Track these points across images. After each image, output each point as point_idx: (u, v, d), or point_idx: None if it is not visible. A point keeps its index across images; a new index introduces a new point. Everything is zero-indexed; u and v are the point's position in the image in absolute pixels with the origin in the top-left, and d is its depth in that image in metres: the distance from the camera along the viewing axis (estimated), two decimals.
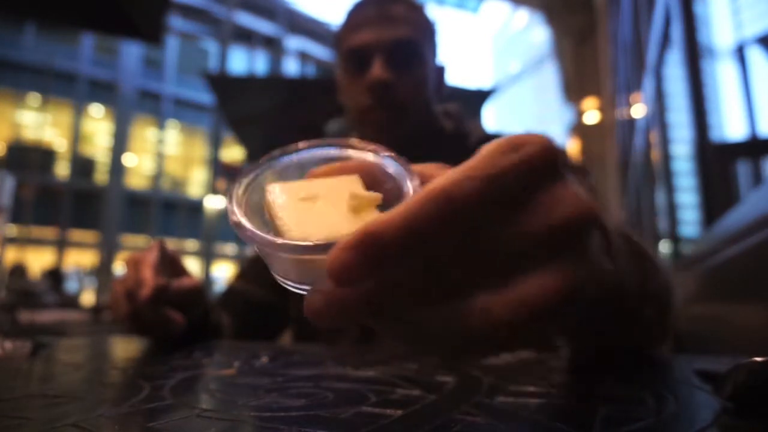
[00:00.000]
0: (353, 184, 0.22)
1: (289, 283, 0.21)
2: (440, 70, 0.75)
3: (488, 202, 0.17)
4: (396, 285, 0.17)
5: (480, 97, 3.94)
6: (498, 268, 0.18)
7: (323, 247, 0.18)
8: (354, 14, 0.71)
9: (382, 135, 0.69)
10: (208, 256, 11.65)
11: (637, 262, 0.29)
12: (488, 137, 0.76)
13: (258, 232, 0.19)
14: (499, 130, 0.79)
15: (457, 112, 0.77)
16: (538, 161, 0.18)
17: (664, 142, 2.65)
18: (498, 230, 0.18)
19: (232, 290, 0.75)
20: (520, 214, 0.18)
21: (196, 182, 17.13)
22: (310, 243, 0.18)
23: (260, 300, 0.72)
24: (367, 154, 0.24)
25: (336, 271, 0.16)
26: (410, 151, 0.77)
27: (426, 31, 0.71)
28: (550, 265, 0.18)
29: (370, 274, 0.16)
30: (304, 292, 0.19)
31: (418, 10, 0.71)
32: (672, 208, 2.60)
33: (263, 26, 17.37)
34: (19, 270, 3.59)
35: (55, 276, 4.36)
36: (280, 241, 0.19)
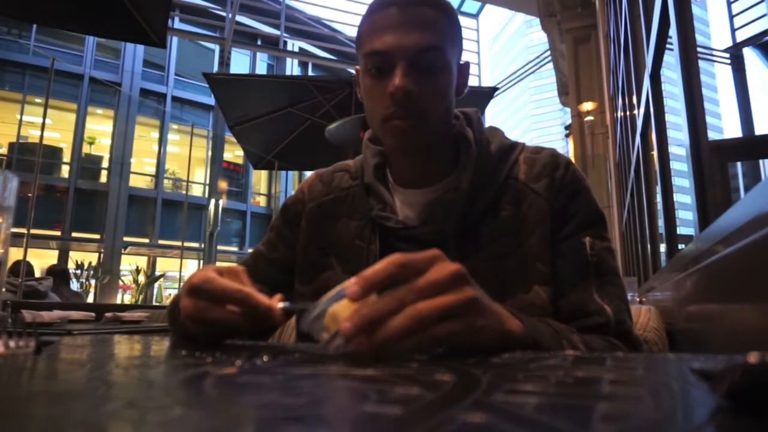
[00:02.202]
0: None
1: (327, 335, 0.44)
2: (464, 67, 0.73)
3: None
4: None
5: (479, 97, 3.94)
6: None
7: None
8: (379, 13, 0.67)
9: (403, 142, 0.68)
10: (209, 257, 11.73)
11: (552, 333, 0.55)
12: (508, 145, 0.76)
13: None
14: (516, 139, 0.78)
15: (477, 118, 0.76)
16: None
17: (663, 142, 2.65)
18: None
19: None
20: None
21: (197, 182, 17.11)
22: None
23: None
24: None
25: (346, 332, 0.41)
26: (432, 158, 0.77)
27: (452, 33, 0.69)
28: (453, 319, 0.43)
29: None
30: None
31: (445, 12, 0.68)
32: (670, 208, 2.60)
33: (264, 27, 17.35)
34: (24, 268, 3.58)
35: (60, 275, 4.36)
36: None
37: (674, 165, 2.63)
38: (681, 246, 2.42)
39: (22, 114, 13.65)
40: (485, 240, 0.68)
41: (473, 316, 0.44)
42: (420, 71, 0.65)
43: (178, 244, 13.82)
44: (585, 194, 0.72)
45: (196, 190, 16.83)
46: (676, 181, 2.64)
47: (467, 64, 0.74)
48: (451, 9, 0.69)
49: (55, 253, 14.28)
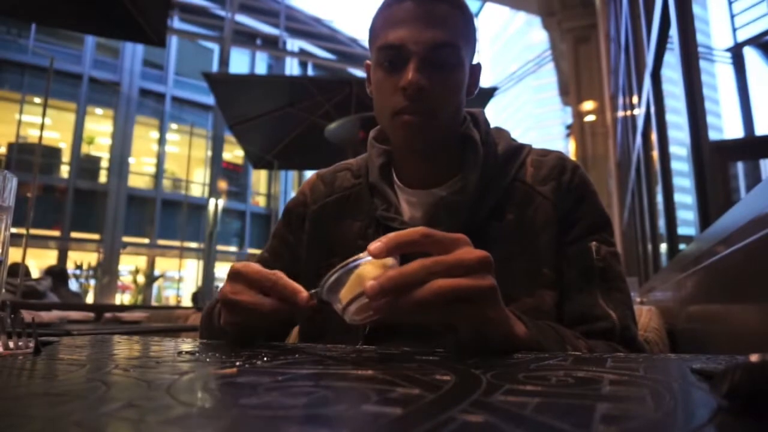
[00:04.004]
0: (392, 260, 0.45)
1: (347, 300, 0.44)
2: (476, 68, 0.72)
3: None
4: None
5: (479, 96, 3.94)
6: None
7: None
8: (394, 6, 0.66)
9: (412, 137, 0.67)
10: (209, 257, 11.76)
11: (556, 338, 0.55)
12: (515, 147, 0.75)
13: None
14: (523, 141, 0.78)
15: (483, 119, 0.75)
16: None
17: (664, 142, 2.65)
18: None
19: None
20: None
21: (196, 182, 17.11)
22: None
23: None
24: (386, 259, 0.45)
25: (370, 290, 0.41)
26: (439, 158, 0.75)
27: (467, 32, 0.68)
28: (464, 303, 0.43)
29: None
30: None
31: (461, 9, 0.67)
32: (671, 208, 2.60)
33: (264, 26, 17.35)
34: (22, 269, 3.59)
35: (59, 275, 4.35)
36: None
37: (675, 165, 2.63)
38: (682, 246, 2.42)
39: (21, 114, 13.64)
40: (491, 242, 0.67)
41: (488, 305, 0.45)
42: (433, 67, 0.64)
43: (178, 244, 13.83)
44: (592, 198, 0.71)
45: (196, 190, 16.83)
46: (677, 180, 2.64)
47: (479, 65, 0.73)
48: (466, 7, 0.68)
49: (54, 253, 14.28)
